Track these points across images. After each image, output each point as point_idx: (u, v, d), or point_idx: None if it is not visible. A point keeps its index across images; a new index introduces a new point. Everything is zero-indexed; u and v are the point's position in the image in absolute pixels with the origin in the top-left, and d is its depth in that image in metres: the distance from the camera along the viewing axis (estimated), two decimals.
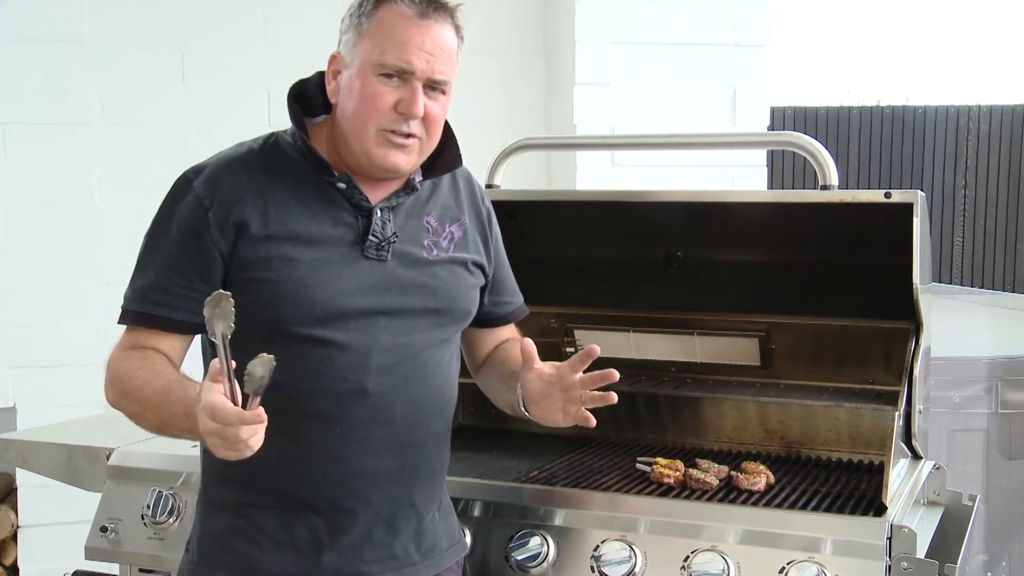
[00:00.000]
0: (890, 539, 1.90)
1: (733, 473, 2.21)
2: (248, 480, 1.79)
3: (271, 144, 1.84)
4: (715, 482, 2.18)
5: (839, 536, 1.92)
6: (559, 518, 2.06)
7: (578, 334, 2.75)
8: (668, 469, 2.20)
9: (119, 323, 1.79)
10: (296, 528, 1.79)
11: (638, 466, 2.30)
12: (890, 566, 1.89)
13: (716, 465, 2.25)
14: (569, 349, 2.75)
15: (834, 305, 2.49)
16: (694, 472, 2.20)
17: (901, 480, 2.18)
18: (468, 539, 2.08)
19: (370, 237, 1.79)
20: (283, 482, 1.79)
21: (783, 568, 1.91)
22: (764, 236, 2.52)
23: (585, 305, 2.74)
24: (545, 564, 2.03)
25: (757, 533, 1.97)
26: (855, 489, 2.20)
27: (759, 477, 2.19)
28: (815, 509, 2.07)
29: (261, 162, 1.80)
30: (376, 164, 1.78)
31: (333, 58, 1.82)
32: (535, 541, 2.03)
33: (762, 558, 1.93)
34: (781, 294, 2.54)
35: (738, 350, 2.61)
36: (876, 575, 1.87)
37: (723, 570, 1.93)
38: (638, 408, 2.64)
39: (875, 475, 2.29)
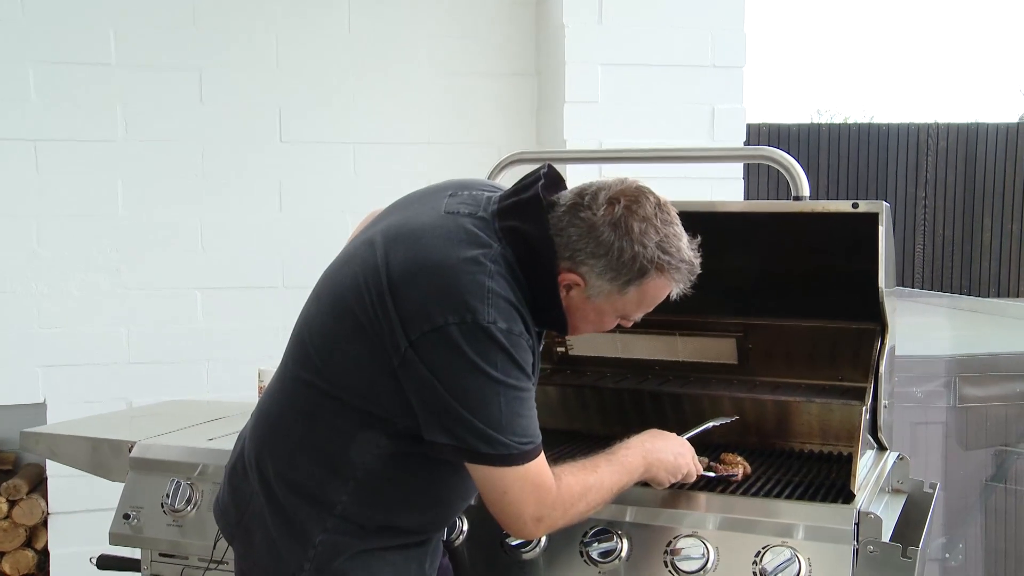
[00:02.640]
0: (858, 524, 1.89)
1: (713, 464, 2.20)
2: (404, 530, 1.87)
3: (524, 284, 1.77)
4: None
5: (811, 522, 1.92)
6: None
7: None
8: None
9: (505, 465, 1.70)
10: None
11: None
12: (857, 549, 1.88)
13: (697, 457, 2.24)
14: (560, 349, 2.74)
15: (805, 308, 2.47)
16: None
17: (868, 470, 2.17)
18: (466, 526, 2.10)
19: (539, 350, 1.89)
20: (425, 533, 1.91)
21: (759, 552, 1.90)
22: (740, 243, 2.51)
23: None
24: (537, 550, 2.02)
25: (735, 520, 1.96)
26: (825, 478, 2.20)
27: (737, 468, 2.18)
28: (788, 497, 2.06)
29: (526, 299, 1.76)
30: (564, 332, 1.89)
31: (575, 282, 1.78)
32: None
33: (739, 543, 1.93)
34: (756, 297, 2.53)
35: (717, 350, 2.60)
36: (845, 558, 1.87)
37: (703, 554, 1.92)
38: (624, 403, 2.62)
39: (844, 465, 2.27)
